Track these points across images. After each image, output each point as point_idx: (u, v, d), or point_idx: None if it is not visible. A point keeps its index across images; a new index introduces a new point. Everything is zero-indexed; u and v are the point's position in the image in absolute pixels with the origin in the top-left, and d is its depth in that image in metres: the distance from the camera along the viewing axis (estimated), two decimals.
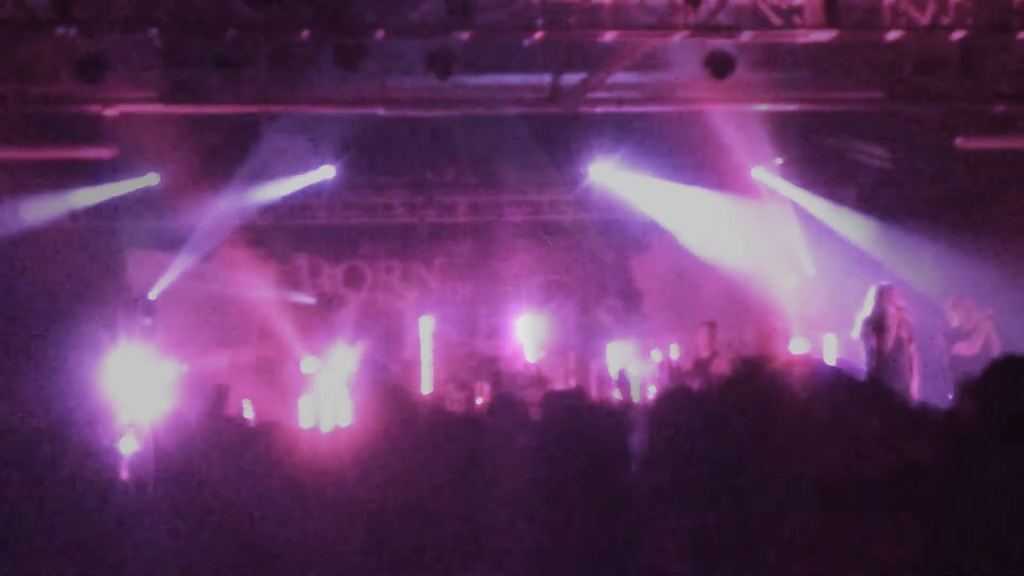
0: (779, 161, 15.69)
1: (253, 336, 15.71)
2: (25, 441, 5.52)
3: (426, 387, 15.40)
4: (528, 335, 16.03)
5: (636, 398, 14.55)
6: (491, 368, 15.78)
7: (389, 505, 4.62)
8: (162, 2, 10.97)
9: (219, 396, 11.18)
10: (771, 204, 16.03)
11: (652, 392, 14.31)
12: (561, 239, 16.76)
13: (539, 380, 14.83)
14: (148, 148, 14.51)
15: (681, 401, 4.30)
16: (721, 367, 13.47)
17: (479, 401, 14.38)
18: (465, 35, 11.24)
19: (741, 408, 3.70)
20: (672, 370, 14.27)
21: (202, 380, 14.08)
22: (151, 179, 15.01)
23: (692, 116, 14.45)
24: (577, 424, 5.49)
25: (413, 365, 15.80)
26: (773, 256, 16.28)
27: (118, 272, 15.72)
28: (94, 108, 12.69)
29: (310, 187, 15.84)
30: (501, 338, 16.54)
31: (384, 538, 4.58)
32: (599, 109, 13.66)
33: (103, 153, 14.05)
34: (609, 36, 11.33)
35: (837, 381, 3.80)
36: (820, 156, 15.81)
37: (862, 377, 4.16)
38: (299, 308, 16.31)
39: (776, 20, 11.08)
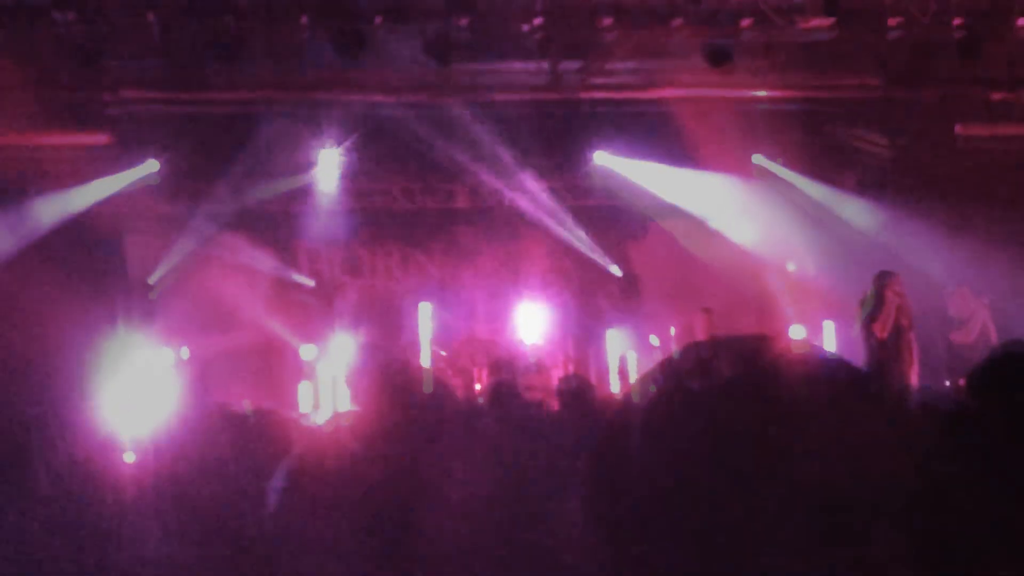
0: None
1: (252, 322, 15.69)
2: (22, 429, 5.53)
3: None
4: (527, 322, 16.03)
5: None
6: (490, 354, 15.79)
7: (390, 492, 4.63)
8: None
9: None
10: (771, 190, 16.02)
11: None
12: (560, 225, 16.72)
13: (538, 367, 14.83)
14: (147, 135, 14.52)
15: (680, 402, 4.30)
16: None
17: (477, 387, 14.39)
18: (464, 21, 11.23)
19: (741, 407, 3.69)
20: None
21: (201, 366, 14.10)
22: (151, 166, 14.99)
23: (692, 103, 14.46)
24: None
25: (412, 351, 15.79)
26: (773, 242, 16.28)
27: (118, 258, 15.72)
28: (92, 94, 12.70)
29: (309, 173, 15.83)
30: (500, 324, 16.53)
31: (382, 526, 4.58)
32: (598, 95, 13.65)
33: (100, 139, 14.05)
34: (608, 23, 11.33)
35: (837, 374, 3.80)
36: (819, 144, 15.79)
37: (861, 370, 4.15)
38: (298, 294, 16.30)
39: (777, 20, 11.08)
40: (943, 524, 3.20)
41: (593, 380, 14.76)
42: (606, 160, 15.99)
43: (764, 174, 15.99)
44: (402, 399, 5.09)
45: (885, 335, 11.65)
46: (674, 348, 14.61)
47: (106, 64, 12.14)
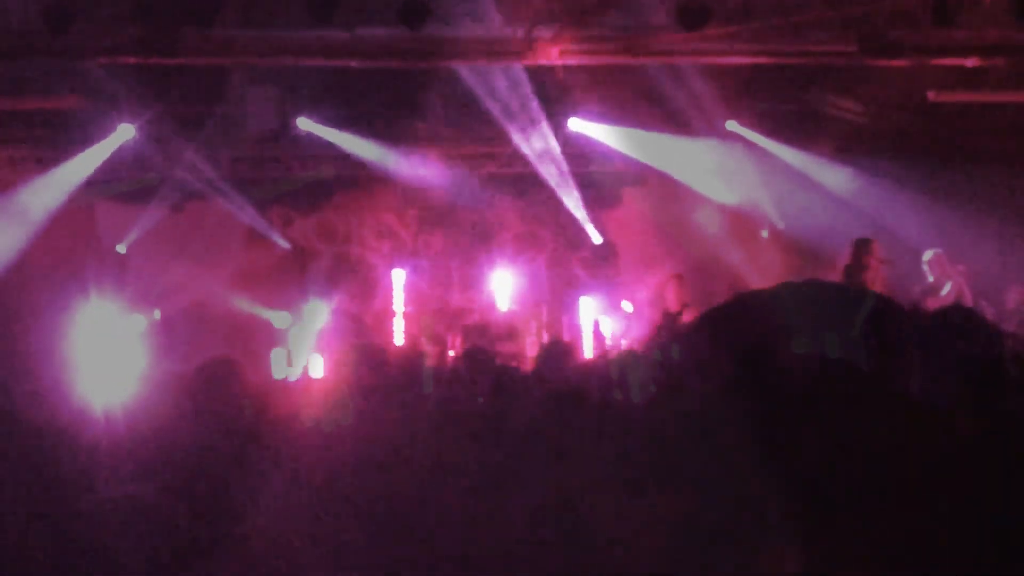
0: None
1: (224, 289, 15.63)
2: None
3: (399, 340, 15.39)
4: (501, 288, 16.04)
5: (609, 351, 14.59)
6: (463, 321, 15.80)
7: (361, 458, 4.62)
8: None
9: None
10: (746, 156, 16.03)
11: (624, 345, 14.35)
12: (535, 192, 16.70)
13: (511, 333, 14.85)
14: (118, 100, 14.43)
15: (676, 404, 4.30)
16: (690, 320, 13.51)
17: (451, 354, 14.39)
18: None
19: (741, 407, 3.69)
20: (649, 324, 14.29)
21: (172, 332, 14.05)
22: (126, 132, 14.87)
23: (667, 68, 14.45)
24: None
25: (385, 318, 15.79)
26: (747, 208, 16.32)
27: (89, 224, 15.65)
28: (63, 60, 12.59)
29: (283, 138, 15.77)
30: (474, 291, 16.54)
31: (354, 493, 4.58)
32: (572, 61, 13.60)
33: (71, 103, 13.97)
34: None
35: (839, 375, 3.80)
36: (793, 109, 15.79)
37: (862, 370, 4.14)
38: (271, 261, 16.25)
39: None
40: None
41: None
42: (580, 126, 15.96)
43: (739, 139, 15.99)
44: (372, 377, 5.09)
45: None
46: (647, 313, 14.66)
47: (78, 29, 12.03)
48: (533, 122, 15.86)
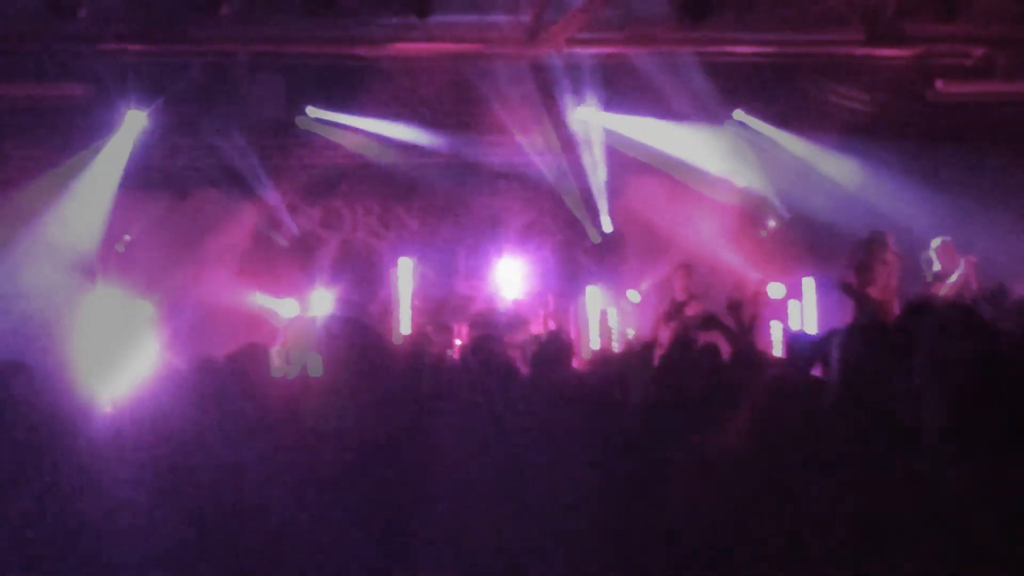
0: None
1: (230, 277, 15.63)
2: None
3: (405, 329, 15.39)
4: (507, 278, 16.03)
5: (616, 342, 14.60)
6: (470, 310, 15.80)
7: (362, 457, 4.62)
8: None
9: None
10: (751, 145, 16.01)
11: (631, 335, 14.34)
12: (541, 181, 16.67)
13: (518, 322, 14.84)
14: (124, 87, 14.43)
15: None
16: (697, 310, 13.51)
17: (457, 343, 14.38)
18: None
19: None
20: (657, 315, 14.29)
21: (178, 320, 14.04)
22: (137, 119, 14.86)
23: (672, 58, 14.43)
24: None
25: (391, 307, 15.79)
26: (753, 198, 16.30)
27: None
28: (69, 47, 12.60)
29: (289, 127, 15.78)
30: (480, 280, 16.53)
31: (354, 492, 4.58)
32: (577, 50, 13.60)
33: (76, 90, 13.97)
34: None
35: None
36: (799, 99, 15.76)
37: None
38: (276, 249, 16.25)
39: None
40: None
41: (573, 336, 14.80)
42: (586, 115, 15.94)
43: (744, 129, 15.97)
44: (368, 359, 5.06)
45: (884, 297, 11.79)
46: (652, 302, 14.67)
47: (83, 17, 12.03)
48: (540, 111, 15.85)
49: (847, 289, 12.08)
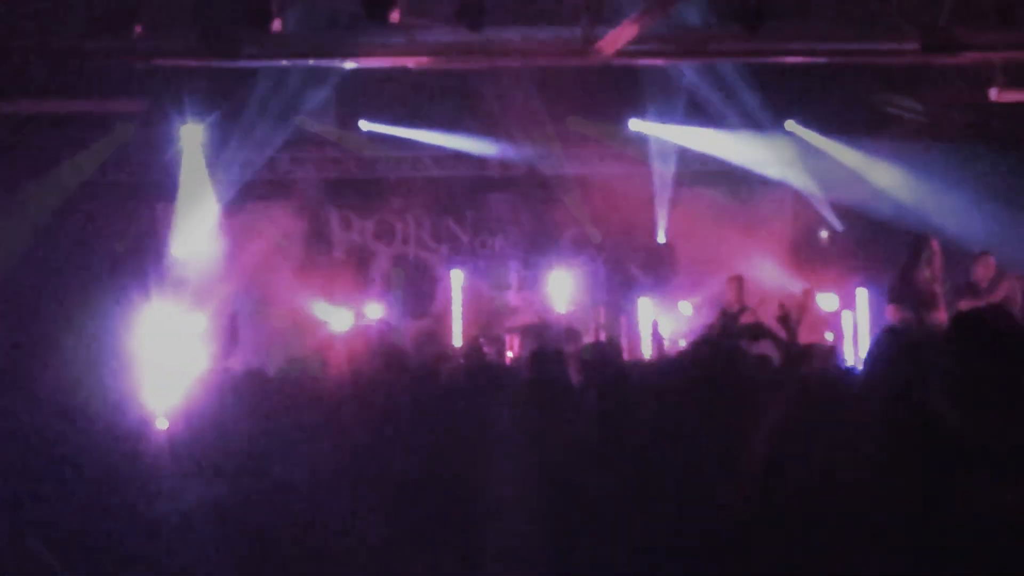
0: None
1: (283, 290, 15.72)
2: (61, 392, 5.54)
3: (457, 340, 15.42)
4: (558, 289, 16.02)
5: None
6: (522, 322, 15.80)
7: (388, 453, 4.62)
8: None
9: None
10: (804, 155, 15.94)
11: (682, 346, 14.28)
12: (593, 192, 16.65)
13: (570, 334, 14.82)
14: (179, 102, 14.56)
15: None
16: (749, 321, 13.44)
17: (509, 355, 14.39)
18: None
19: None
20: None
21: (231, 332, 14.11)
22: (194, 132, 14.99)
23: (725, 67, 14.40)
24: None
25: (444, 319, 15.83)
26: (806, 208, 16.24)
27: (150, 225, 15.78)
28: (124, 62, 12.70)
29: (340, 140, 15.87)
30: (532, 292, 16.54)
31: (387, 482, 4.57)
32: (630, 62, 13.56)
33: (132, 106, 14.10)
34: None
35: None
36: (853, 108, 15.67)
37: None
38: (329, 261, 16.32)
39: None
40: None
41: (625, 347, 14.75)
42: (640, 126, 15.92)
43: (797, 138, 15.90)
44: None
45: (928, 301, 11.70)
46: (705, 314, 14.61)
47: (138, 32, 12.12)
48: (591, 123, 15.86)
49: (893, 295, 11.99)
